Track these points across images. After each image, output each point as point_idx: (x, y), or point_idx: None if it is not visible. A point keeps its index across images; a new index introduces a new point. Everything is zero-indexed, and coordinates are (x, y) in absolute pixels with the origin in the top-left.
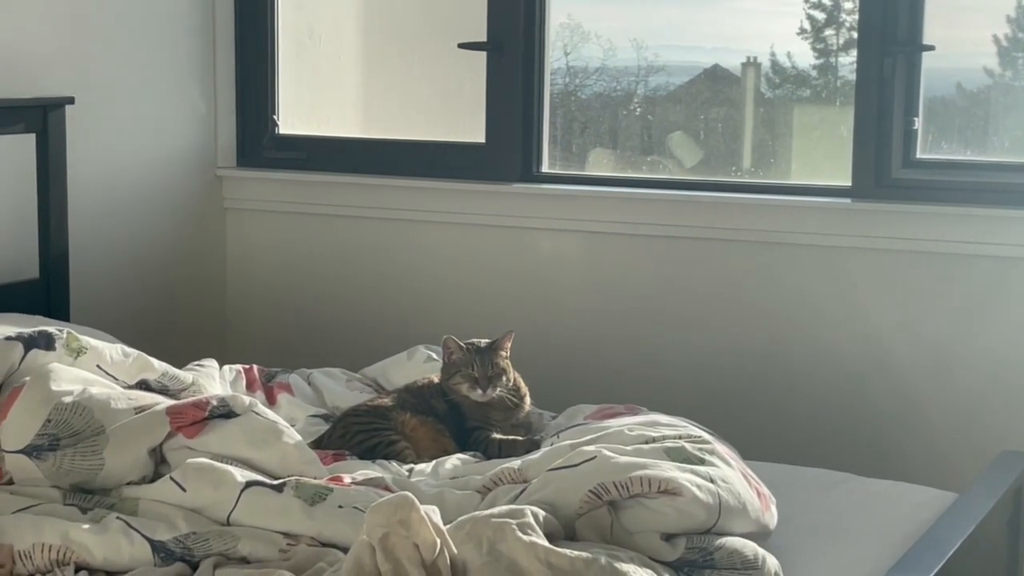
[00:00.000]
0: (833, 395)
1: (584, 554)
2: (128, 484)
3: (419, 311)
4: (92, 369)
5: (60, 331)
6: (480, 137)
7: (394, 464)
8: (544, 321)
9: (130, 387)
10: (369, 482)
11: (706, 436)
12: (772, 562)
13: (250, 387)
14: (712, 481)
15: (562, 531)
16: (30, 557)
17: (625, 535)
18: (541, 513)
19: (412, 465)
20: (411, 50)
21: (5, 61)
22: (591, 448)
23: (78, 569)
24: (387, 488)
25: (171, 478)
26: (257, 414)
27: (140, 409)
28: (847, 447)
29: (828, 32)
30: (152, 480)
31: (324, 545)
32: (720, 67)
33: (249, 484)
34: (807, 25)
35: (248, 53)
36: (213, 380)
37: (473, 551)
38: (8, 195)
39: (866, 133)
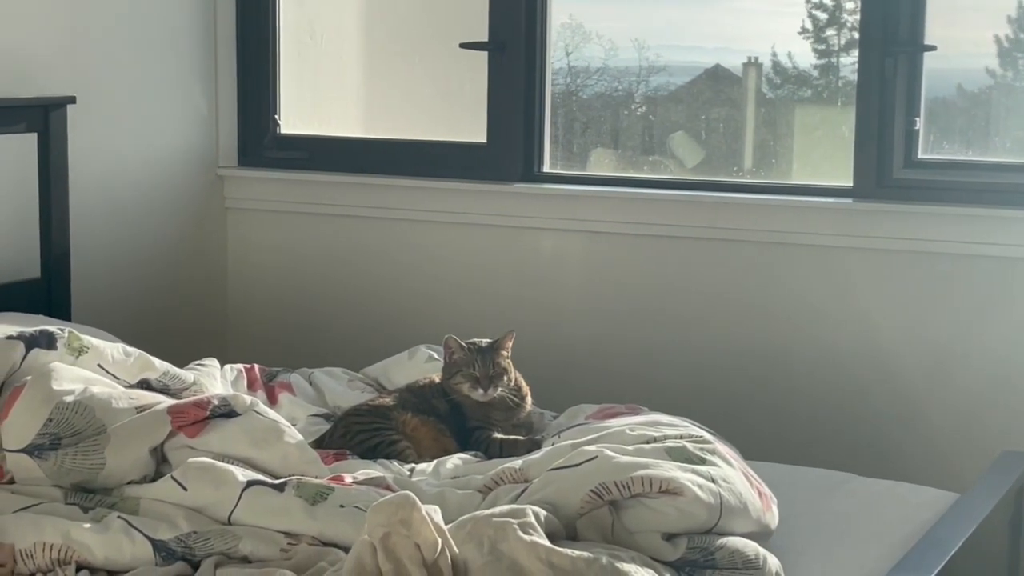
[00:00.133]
0: (834, 395)
1: (585, 554)
2: (129, 483)
3: (420, 311)
4: (93, 368)
5: (61, 330)
6: (481, 137)
7: (395, 464)
8: (545, 321)
9: (131, 386)
10: (370, 482)
11: (707, 436)
12: (773, 562)
13: (251, 386)
14: (713, 481)
15: (563, 531)
16: (31, 556)
17: (626, 535)
18: (542, 513)
19: (413, 465)
20: (412, 50)
21: (6, 61)
22: (592, 448)
23: (79, 568)
24: (388, 488)
25: (172, 477)
26: (258, 413)
27: (141, 408)
28: (848, 447)
29: (829, 32)
30: (153, 479)
31: (325, 545)
32: (721, 67)
33: (250, 483)
34: (808, 25)
35: (249, 53)
36: (214, 379)
37: (474, 551)
38: (9, 195)
39: (867, 133)
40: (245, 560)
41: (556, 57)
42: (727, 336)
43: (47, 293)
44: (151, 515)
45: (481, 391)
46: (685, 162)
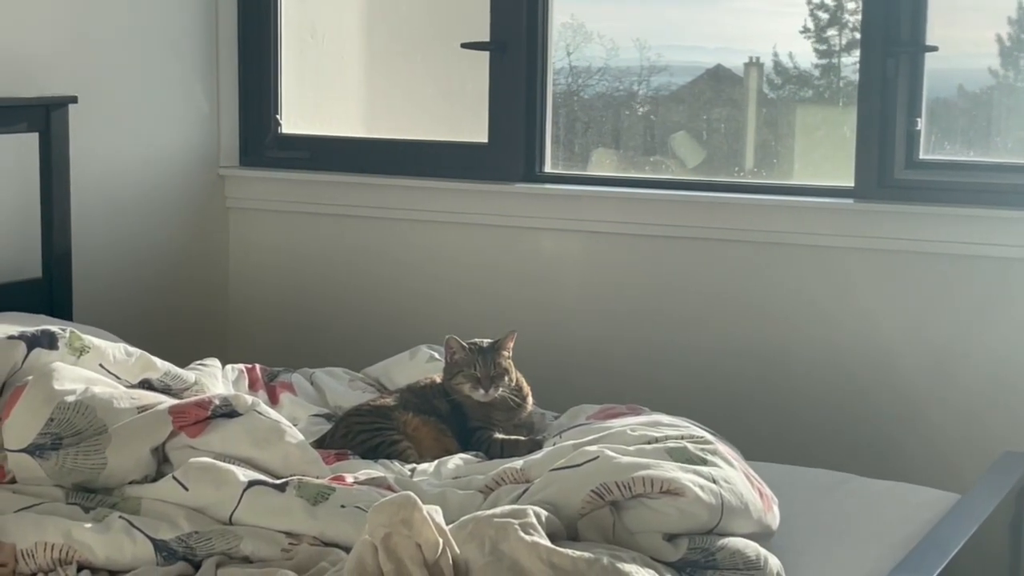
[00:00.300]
0: (835, 395)
1: (586, 554)
2: (130, 483)
3: (421, 311)
4: (95, 368)
5: (63, 330)
6: (483, 137)
7: (396, 464)
8: (546, 321)
9: (133, 386)
10: (371, 482)
11: (708, 436)
12: (774, 562)
13: (252, 386)
14: (714, 481)
15: (564, 531)
16: (32, 556)
17: (627, 535)
18: (543, 513)
19: (414, 465)
20: (414, 50)
21: (8, 60)
22: (593, 448)
23: (80, 568)
24: (389, 488)
25: (173, 477)
26: (259, 413)
27: (143, 408)
28: (849, 448)
29: (831, 32)
30: (155, 479)
31: (326, 545)
32: (723, 67)
33: (251, 483)
34: (810, 25)
35: (251, 52)
36: (215, 379)
37: (475, 551)
38: (11, 194)
39: (869, 134)
40: (246, 560)
41: (557, 57)
42: (728, 336)
43: (48, 293)
44: (152, 515)
45: (482, 391)
46: (686, 162)
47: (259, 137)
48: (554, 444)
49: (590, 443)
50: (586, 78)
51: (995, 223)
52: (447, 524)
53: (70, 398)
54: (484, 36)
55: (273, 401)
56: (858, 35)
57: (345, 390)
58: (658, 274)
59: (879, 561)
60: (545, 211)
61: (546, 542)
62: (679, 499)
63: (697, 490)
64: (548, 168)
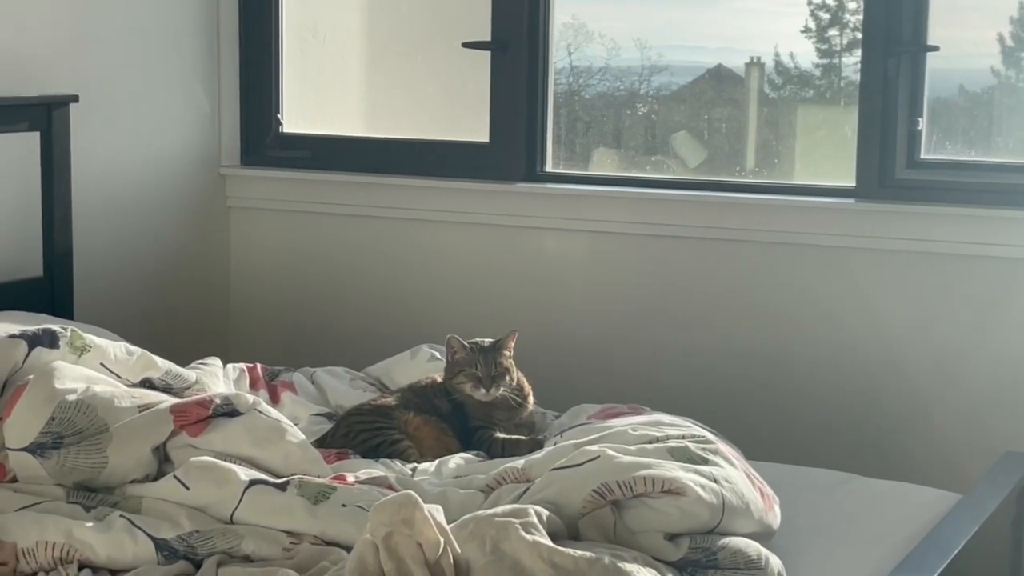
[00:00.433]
0: (837, 395)
1: (587, 553)
2: (132, 482)
3: (422, 310)
4: (96, 367)
5: (64, 329)
6: (484, 136)
7: (397, 463)
8: (547, 320)
9: (134, 385)
10: (372, 481)
11: (709, 436)
12: (775, 562)
13: (253, 386)
14: (716, 481)
15: (565, 531)
16: (33, 555)
17: (628, 535)
18: (544, 512)
19: (415, 464)
20: (415, 49)
21: (9, 60)
22: (594, 448)
23: (81, 567)
24: (390, 487)
25: (175, 476)
26: (260, 413)
27: (144, 407)
28: (851, 447)
29: (832, 32)
30: (156, 478)
31: (327, 544)
32: (724, 67)
33: (252, 483)
34: (811, 25)
35: (252, 51)
36: (217, 378)
37: (476, 550)
38: (12, 193)
39: (870, 133)
40: (247, 559)
41: (558, 57)
42: (729, 336)
43: (49, 292)
44: (153, 514)
45: (483, 391)
46: (687, 162)
47: (260, 136)
48: (555, 444)
49: (591, 443)
50: (587, 78)
51: (996, 223)
52: (448, 523)
53: (71, 397)
54: (485, 35)
55: (274, 400)
56: (859, 35)
57: (346, 389)
58: (659, 274)
59: (880, 561)
60: (546, 211)
61: (547, 541)
62: (680, 499)
63: (698, 490)
64: (549, 168)
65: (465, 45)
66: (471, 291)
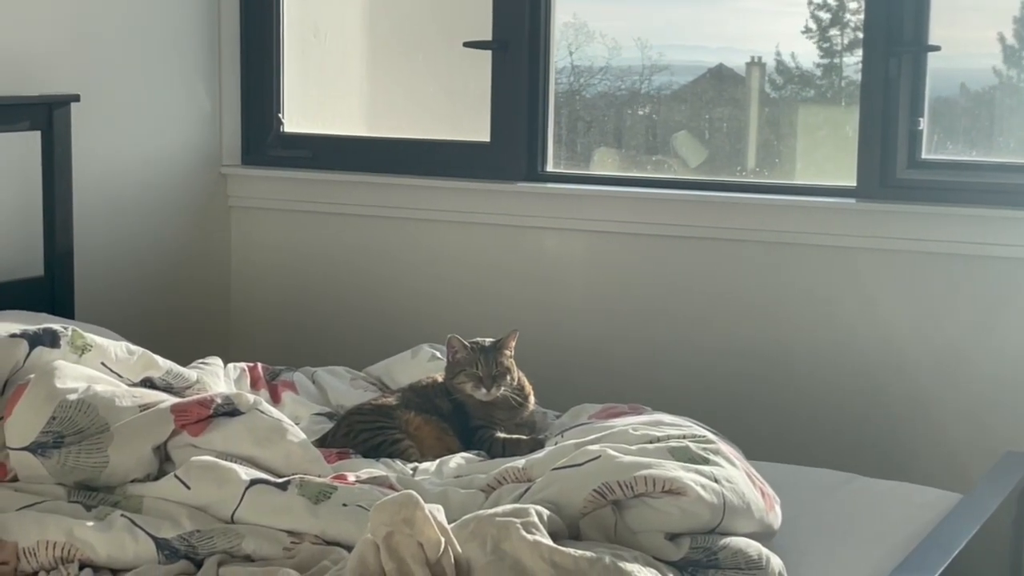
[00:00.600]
0: (838, 395)
1: (588, 553)
2: (132, 482)
3: (423, 310)
4: (97, 367)
5: (65, 328)
6: (485, 136)
7: (398, 463)
8: (548, 320)
9: (134, 385)
10: (373, 481)
11: (710, 436)
12: (776, 562)
13: (254, 385)
14: (716, 481)
15: (566, 530)
16: (34, 554)
17: (629, 534)
18: (545, 512)
19: (416, 464)
20: (416, 48)
21: (10, 59)
22: (595, 447)
23: (82, 566)
24: (391, 487)
25: (175, 476)
26: (261, 412)
27: (144, 407)
28: (852, 447)
29: (833, 32)
30: (156, 478)
31: (328, 543)
32: (725, 67)
33: (253, 482)
34: (812, 25)
35: (253, 51)
36: (217, 378)
37: (477, 550)
38: (13, 193)
39: (871, 133)
40: (248, 559)
41: (559, 56)
42: (730, 336)
43: (50, 291)
44: (154, 513)
45: (484, 390)
46: (688, 162)
47: (261, 136)
48: (556, 443)
49: (592, 442)
50: (588, 77)
51: (997, 223)
52: (449, 523)
53: (72, 396)
54: (486, 35)
55: (275, 400)
56: (860, 35)
57: (347, 389)
58: (660, 273)
59: (881, 561)
60: (547, 210)
61: (548, 541)
62: (681, 498)
63: (699, 489)
64: (550, 167)
65: (466, 45)
66: (472, 291)
